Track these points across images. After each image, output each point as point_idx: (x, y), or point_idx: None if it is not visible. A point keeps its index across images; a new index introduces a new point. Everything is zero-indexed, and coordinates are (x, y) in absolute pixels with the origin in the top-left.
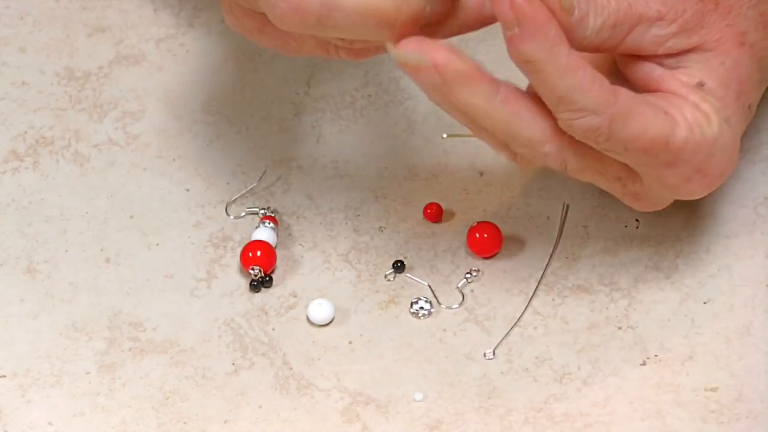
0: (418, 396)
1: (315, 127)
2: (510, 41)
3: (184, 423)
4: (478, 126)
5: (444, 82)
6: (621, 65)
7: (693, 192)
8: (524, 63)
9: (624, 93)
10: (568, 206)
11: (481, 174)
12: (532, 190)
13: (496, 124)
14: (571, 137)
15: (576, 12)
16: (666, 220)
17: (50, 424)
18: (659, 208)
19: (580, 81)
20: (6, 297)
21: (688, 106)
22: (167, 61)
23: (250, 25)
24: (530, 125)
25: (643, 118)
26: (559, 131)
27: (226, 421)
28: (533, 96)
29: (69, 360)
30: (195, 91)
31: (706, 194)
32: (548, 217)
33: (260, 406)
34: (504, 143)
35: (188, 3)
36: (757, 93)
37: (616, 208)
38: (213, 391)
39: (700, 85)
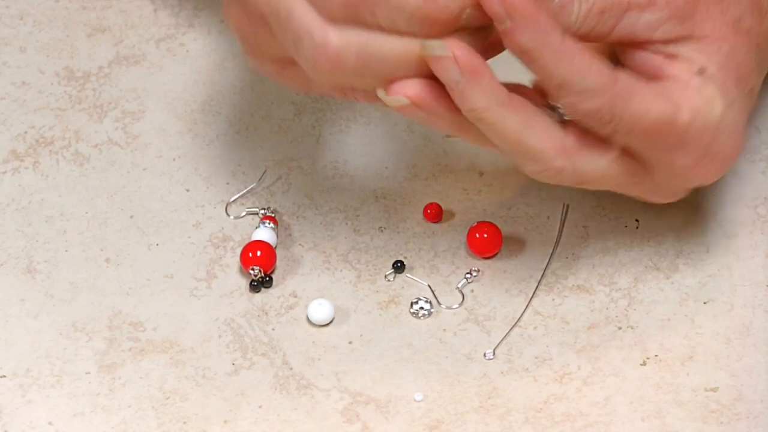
0: (418, 396)
1: (315, 127)
2: (504, 35)
3: (184, 423)
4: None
5: (461, 75)
6: (621, 56)
7: (704, 176)
8: (521, 53)
9: (624, 76)
10: (568, 206)
11: (481, 174)
12: (532, 190)
13: (506, 134)
14: (580, 149)
15: None
16: (666, 220)
17: (50, 424)
18: (675, 198)
19: (578, 65)
20: (6, 297)
21: (691, 92)
22: (167, 61)
23: (271, 67)
24: (541, 136)
25: (644, 100)
26: (569, 148)
27: (226, 421)
28: (541, 108)
29: (69, 360)
30: (195, 91)
31: (716, 179)
32: (548, 217)
33: (260, 406)
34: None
35: (188, 3)
36: (756, 77)
37: (616, 208)
38: (213, 391)
39: (701, 71)
